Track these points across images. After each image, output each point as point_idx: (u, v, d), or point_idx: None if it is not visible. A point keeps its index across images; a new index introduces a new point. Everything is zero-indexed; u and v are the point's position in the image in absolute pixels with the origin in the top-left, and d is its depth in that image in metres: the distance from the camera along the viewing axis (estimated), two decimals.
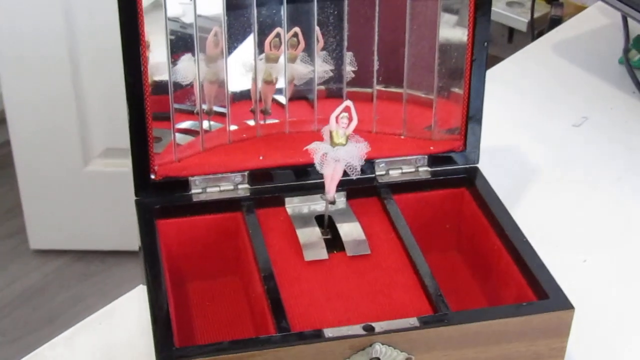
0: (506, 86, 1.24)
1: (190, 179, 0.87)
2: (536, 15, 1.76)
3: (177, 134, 0.88)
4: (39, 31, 1.78)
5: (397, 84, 0.93)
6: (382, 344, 0.72)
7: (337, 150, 0.82)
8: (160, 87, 0.85)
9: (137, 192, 0.86)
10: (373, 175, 0.91)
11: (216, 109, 0.90)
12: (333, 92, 0.92)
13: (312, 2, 0.88)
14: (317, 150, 0.82)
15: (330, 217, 0.87)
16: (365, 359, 0.72)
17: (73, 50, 1.81)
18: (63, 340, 0.85)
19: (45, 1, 1.75)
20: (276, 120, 0.92)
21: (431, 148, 0.92)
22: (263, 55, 0.89)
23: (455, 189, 0.91)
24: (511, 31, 1.91)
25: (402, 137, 0.94)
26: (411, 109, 0.93)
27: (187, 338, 0.82)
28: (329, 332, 0.72)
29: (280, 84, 0.90)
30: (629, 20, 1.27)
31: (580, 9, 1.62)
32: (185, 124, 0.90)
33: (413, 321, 0.73)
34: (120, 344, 0.84)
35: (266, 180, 0.89)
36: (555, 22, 1.63)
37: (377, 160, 0.90)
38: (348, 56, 0.91)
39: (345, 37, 0.90)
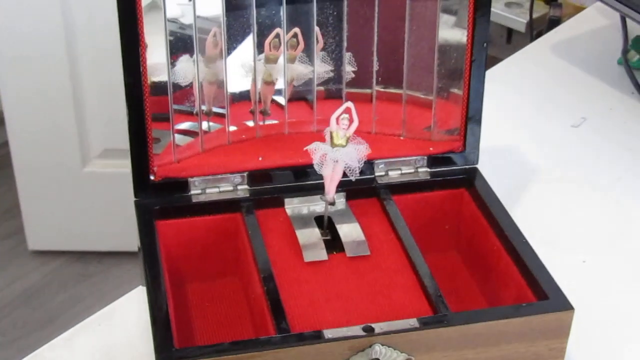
0: (505, 87, 1.24)
1: (190, 179, 0.87)
2: (535, 15, 1.76)
3: (176, 135, 0.88)
4: (37, 31, 1.77)
5: (397, 84, 0.93)
6: (382, 345, 0.72)
7: (336, 152, 0.82)
8: (160, 88, 0.85)
9: (137, 193, 0.86)
10: (372, 176, 0.91)
11: (215, 109, 0.90)
12: (332, 93, 0.92)
13: (312, 2, 0.88)
14: (317, 151, 0.82)
15: (329, 218, 0.87)
16: (365, 359, 0.72)
17: (72, 51, 1.81)
18: (62, 341, 0.85)
19: (44, 1, 1.75)
20: (275, 121, 0.92)
21: (430, 149, 0.92)
22: (262, 56, 0.89)
23: (454, 189, 0.91)
24: (510, 32, 1.91)
25: (402, 137, 0.94)
26: (410, 110, 0.93)
27: (187, 339, 0.82)
28: (328, 333, 0.72)
29: (280, 84, 0.90)
30: (628, 20, 1.27)
31: (578, 9, 1.62)
32: (185, 125, 0.90)
33: (413, 322, 0.74)
34: (120, 344, 0.84)
35: (265, 181, 0.89)
36: (553, 22, 1.63)
37: (376, 161, 0.90)
38: (347, 56, 0.91)
39: (345, 38, 0.90)
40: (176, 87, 0.86)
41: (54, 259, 2.06)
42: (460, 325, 0.74)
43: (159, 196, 0.86)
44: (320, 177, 0.84)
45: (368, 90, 0.93)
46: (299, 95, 0.92)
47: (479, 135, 0.92)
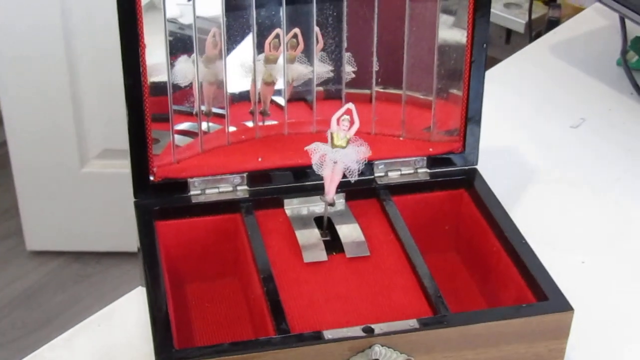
0: (504, 87, 1.24)
1: (189, 180, 0.87)
2: (534, 16, 1.76)
3: (176, 136, 0.88)
4: (36, 32, 1.77)
5: (396, 85, 0.93)
6: (382, 346, 0.72)
7: (336, 152, 0.82)
8: (159, 89, 0.85)
9: (136, 193, 0.86)
10: (372, 176, 0.91)
11: (215, 110, 0.90)
12: (332, 94, 0.92)
13: (311, 3, 0.88)
14: (316, 151, 0.82)
15: (329, 219, 0.87)
16: None
17: (70, 51, 1.81)
18: (62, 342, 0.85)
19: (43, 2, 1.75)
20: (275, 122, 0.92)
21: (430, 149, 0.92)
22: (262, 57, 0.89)
23: (454, 190, 0.91)
24: (509, 32, 1.91)
25: (401, 138, 0.94)
26: (410, 110, 0.93)
27: (187, 340, 0.82)
28: (328, 334, 0.72)
29: (279, 85, 0.90)
30: (627, 21, 1.27)
31: (577, 10, 1.62)
32: (184, 126, 0.90)
33: (412, 323, 0.74)
34: (120, 345, 0.84)
35: (265, 182, 0.89)
36: (552, 23, 1.63)
37: (376, 162, 0.90)
38: (347, 57, 0.91)
39: (345, 38, 0.90)
40: (176, 87, 0.86)
41: (53, 259, 2.06)
42: (460, 326, 0.74)
43: (159, 197, 0.86)
44: (320, 177, 0.84)
45: (367, 91, 0.93)
46: (299, 96, 0.92)
47: (479, 136, 0.92)
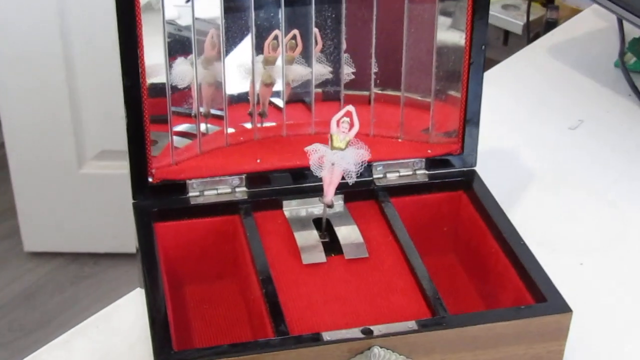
0: (502, 89, 1.24)
1: (188, 182, 0.87)
2: (531, 18, 1.76)
3: (174, 137, 0.88)
4: (34, 32, 1.77)
5: (395, 86, 0.93)
6: (381, 347, 0.72)
7: (334, 154, 0.82)
8: (158, 90, 0.85)
9: (135, 195, 0.86)
10: (370, 178, 0.91)
11: (213, 111, 0.90)
12: (330, 95, 0.92)
13: (310, 5, 0.88)
14: (315, 152, 0.82)
15: (328, 220, 0.87)
16: None
17: (68, 51, 1.81)
18: (61, 344, 0.85)
19: (40, 2, 1.74)
20: (274, 123, 0.92)
21: (429, 151, 0.92)
22: (260, 58, 0.89)
23: (452, 192, 0.91)
24: (506, 34, 1.91)
25: (400, 140, 0.94)
26: (408, 112, 0.93)
27: (185, 341, 0.81)
28: (327, 336, 0.72)
29: (278, 86, 0.90)
30: (625, 23, 1.27)
31: (575, 11, 1.62)
32: (183, 127, 0.90)
33: (411, 324, 0.74)
34: (118, 347, 0.84)
35: (264, 183, 0.89)
36: (550, 25, 1.64)
37: (374, 164, 0.90)
38: (345, 58, 0.91)
39: (343, 40, 0.90)
40: (174, 89, 0.86)
41: (50, 260, 2.06)
42: (459, 327, 0.74)
43: (157, 198, 0.86)
44: (319, 179, 0.84)
45: (366, 92, 0.93)
46: (297, 98, 0.92)
47: (477, 137, 0.92)
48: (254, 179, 0.89)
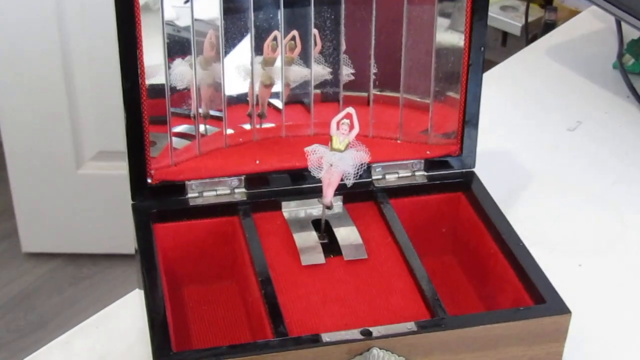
0: (501, 90, 1.24)
1: (187, 183, 0.87)
2: (530, 19, 1.76)
3: (173, 138, 0.88)
4: (31, 33, 1.77)
5: (394, 88, 0.93)
6: (380, 349, 0.72)
7: (333, 156, 0.82)
8: (157, 91, 0.85)
9: (134, 196, 0.86)
10: (369, 179, 0.91)
11: (213, 112, 0.90)
12: (329, 96, 0.92)
13: (309, 6, 0.88)
14: (314, 153, 0.82)
15: (327, 222, 0.87)
16: None
17: (66, 52, 1.80)
18: (59, 345, 0.85)
19: (39, 2, 1.74)
20: (273, 124, 0.92)
21: (427, 152, 0.92)
22: (260, 59, 0.89)
23: (451, 193, 0.91)
24: (505, 35, 1.91)
25: (399, 141, 0.94)
26: (407, 113, 0.93)
27: (185, 342, 0.81)
28: (326, 337, 0.72)
29: (277, 87, 0.90)
30: (623, 24, 1.27)
31: (574, 13, 1.62)
32: (182, 128, 0.89)
33: (410, 326, 0.74)
34: (117, 348, 0.84)
35: (263, 185, 0.89)
36: (549, 26, 1.64)
37: (373, 165, 0.90)
38: (344, 59, 0.91)
39: (342, 41, 0.90)
40: (173, 90, 0.86)
41: (48, 261, 2.06)
42: (458, 328, 0.74)
43: (156, 199, 0.86)
44: (318, 180, 0.84)
45: (365, 94, 0.93)
46: (296, 99, 0.92)
47: (476, 138, 0.92)
48: (253, 180, 0.89)
